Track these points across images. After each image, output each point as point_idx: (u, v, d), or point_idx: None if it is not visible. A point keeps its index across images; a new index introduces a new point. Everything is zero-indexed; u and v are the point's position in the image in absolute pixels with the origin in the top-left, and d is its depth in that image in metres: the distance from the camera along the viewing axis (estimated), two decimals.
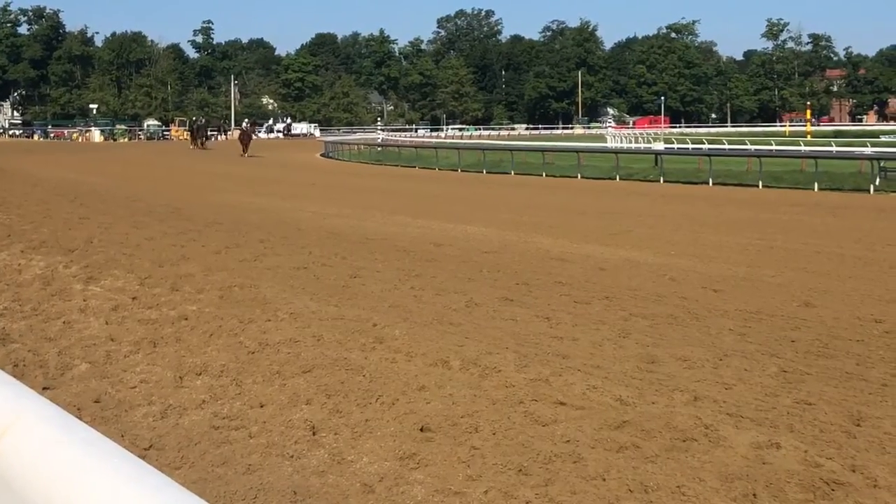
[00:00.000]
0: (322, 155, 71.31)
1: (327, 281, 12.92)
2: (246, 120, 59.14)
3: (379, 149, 69.59)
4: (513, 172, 45.45)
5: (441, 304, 11.34)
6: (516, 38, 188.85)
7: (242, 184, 36.40)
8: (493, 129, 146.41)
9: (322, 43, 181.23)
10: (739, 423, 6.68)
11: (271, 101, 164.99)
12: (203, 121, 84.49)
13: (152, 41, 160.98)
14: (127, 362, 8.56)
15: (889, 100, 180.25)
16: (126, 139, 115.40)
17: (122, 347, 9.07)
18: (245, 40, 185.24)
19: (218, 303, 11.15)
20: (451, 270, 14.08)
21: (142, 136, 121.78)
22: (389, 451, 6.18)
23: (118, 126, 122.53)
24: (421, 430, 6.57)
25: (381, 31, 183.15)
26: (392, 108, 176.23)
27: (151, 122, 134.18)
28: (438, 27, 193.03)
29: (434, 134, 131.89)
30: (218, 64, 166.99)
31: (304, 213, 23.45)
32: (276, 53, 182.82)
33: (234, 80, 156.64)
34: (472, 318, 10.54)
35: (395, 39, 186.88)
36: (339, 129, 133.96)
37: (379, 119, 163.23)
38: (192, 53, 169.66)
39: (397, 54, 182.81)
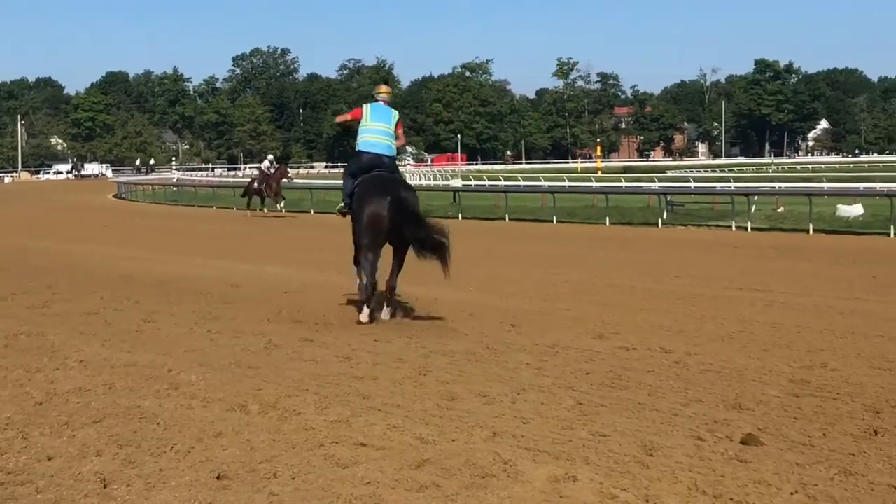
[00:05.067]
0: (115, 196, 69.52)
1: (119, 326, 12.53)
2: (270, 156, 49.58)
3: (175, 189, 68.33)
4: (312, 211, 45.30)
5: (239, 346, 11.14)
6: (313, 77, 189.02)
7: (30, 226, 35.12)
8: (293, 167, 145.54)
9: (113, 81, 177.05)
10: (537, 458, 6.76)
11: (60, 141, 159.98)
12: None
13: None
14: None
15: (674, 136, 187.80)
16: None
17: None
18: (32, 79, 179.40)
19: (3, 352, 10.66)
20: (249, 312, 13.86)
21: None
22: (184, 502, 6.00)
23: None
24: (217, 478, 6.40)
25: (175, 70, 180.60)
26: (187, 146, 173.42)
27: None
28: (234, 65, 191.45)
29: (232, 173, 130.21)
30: (3, 104, 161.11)
31: (96, 257, 22.77)
32: (66, 92, 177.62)
33: (21, 120, 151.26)
34: (272, 360, 10.39)
35: (190, 77, 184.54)
36: (135, 169, 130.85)
37: (174, 158, 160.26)
38: None
39: (192, 92, 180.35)
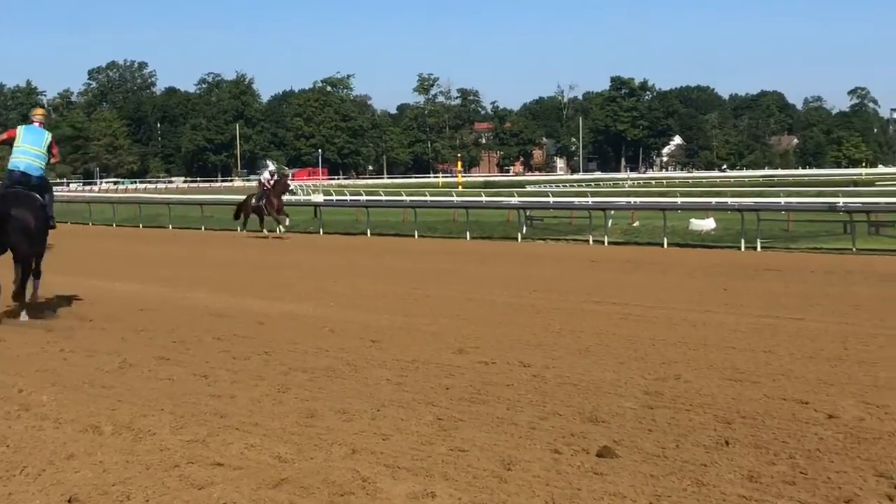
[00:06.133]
0: None
1: None
2: (271, 166, 44.40)
3: None
4: (171, 226, 44.59)
5: (93, 365, 10.87)
6: (171, 91, 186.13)
7: None
8: (149, 182, 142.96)
9: None
10: (396, 474, 6.74)
11: None
12: None
13: None
14: None
15: (533, 151, 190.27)
16: None
17: None
18: None
19: None
20: (103, 330, 13.56)
21: None
22: None
23: None
24: (69, 501, 6.23)
25: (28, 83, 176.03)
26: None
27: None
28: (90, 79, 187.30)
29: (87, 188, 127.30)
30: None
31: None
32: None
33: None
34: (126, 379, 10.16)
35: (44, 91, 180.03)
36: None
37: None
38: None
39: (46, 106, 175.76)
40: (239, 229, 38.26)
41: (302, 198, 64.10)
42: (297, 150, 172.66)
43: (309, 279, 20.74)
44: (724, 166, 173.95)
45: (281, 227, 37.31)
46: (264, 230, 36.89)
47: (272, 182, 37.74)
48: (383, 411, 8.60)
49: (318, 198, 61.03)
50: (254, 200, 37.75)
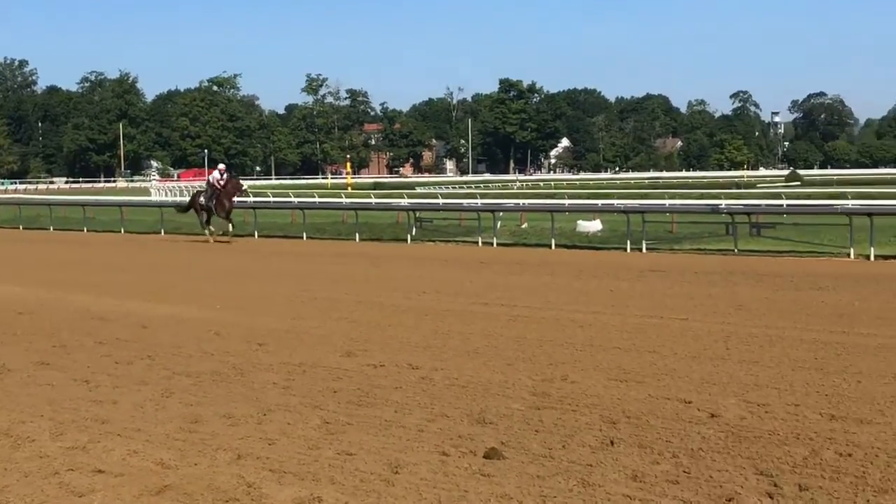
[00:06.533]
0: None
1: None
2: (221, 165, 38.21)
3: None
4: (52, 228, 43.65)
5: None
6: (53, 89, 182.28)
7: None
8: (30, 182, 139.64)
9: None
10: (282, 479, 6.68)
11: None
12: None
13: None
14: None
15: (423, 153, 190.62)
16: None
17: None
18: None
19: None
20: None
21: None
22: None
23: None
24: None
25: None
26: None
27: None
28: None
29: None
30: None
31: None
32: None
33: None
34: (4, 385, 9.93)
35: None
36: None
37: None
38: None
39: None
40: (205, 231, 34.64)
41: (188, 199, 63.25)
42: (182, 151, 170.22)
43: (194, 281, 20.49)
44: (618, 168, 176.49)
45: (230, 228, 34.01)
46: (206, 232, 34.36)
47: (223, 182, 34.60)
48: (269, 415, 8.53)
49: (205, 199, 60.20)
50: (203, 199, 34.86)
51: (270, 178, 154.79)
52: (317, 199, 55.33)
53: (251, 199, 46.39)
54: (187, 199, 41.56)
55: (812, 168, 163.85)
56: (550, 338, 12.66)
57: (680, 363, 10.79)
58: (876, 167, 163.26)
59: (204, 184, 39.90)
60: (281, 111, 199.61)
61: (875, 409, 8.44)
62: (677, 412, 8.51)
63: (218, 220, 34.39)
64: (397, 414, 8.59)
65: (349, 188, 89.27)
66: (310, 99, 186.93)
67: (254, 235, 36.45)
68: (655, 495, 6.30)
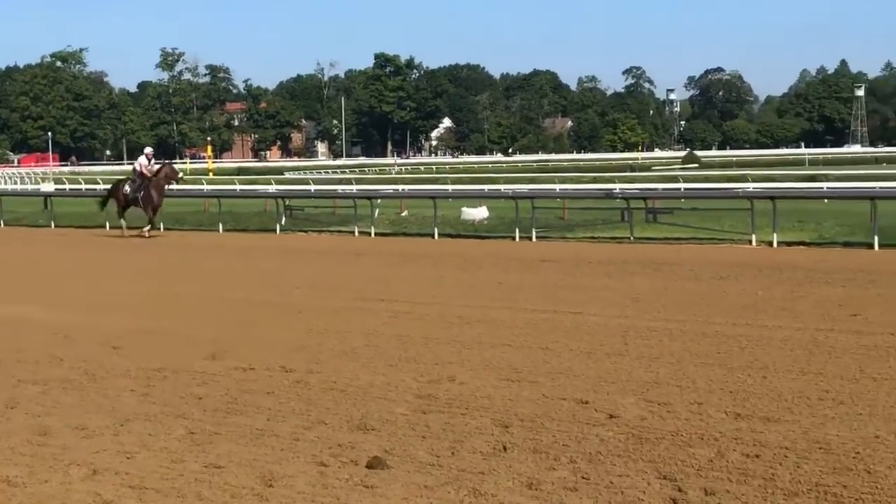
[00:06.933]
0: None
1: None
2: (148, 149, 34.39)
3: None
4: None
5: None
6: None
7: None
8: None
9: None
10: (143, 496, 6.61)
11: None
12: None
13: None
14: None
15: (292, 134, 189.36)
16: None
17: None
18: None
19: None
20: None
21: None
22: None
23: None
24: None
25: None
26: None
27: None
28: None
29: None
30: None
31: None
32: None
33: None
34: None
35: None
36: None
37: None
38: None
39: None
40: (120, 223, 32.29)
41: (30, 187, 62.05)
42: (23, 134, 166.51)
43: (40, 278, 20.09)
44: (512, 151, 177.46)
45: (150, 225, 31.41)
46: (121, 224, 32.01)
47: (154, 169, 32.08)
48: (127, 426, 8.42)
49: (49, 187, 59.22)
50: (128, 189, 31.85)
51: (122, 164, 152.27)
52: (175, 186, 54.71)
53: (101, 186, 45.61)
54: (23, 186, 40.36)
55: (710, 149, 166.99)
56: (436, 335, 12.70)
57: (575, 360, 10.91)
58: (777, 147, 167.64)
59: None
60: (133, 89, 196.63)
61: (783, 407, 8.65)
62: (574, 413, 8.60)
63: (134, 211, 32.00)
64: (270, 422, 8.53)
65: (210, 174, 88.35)
66: (165, 76, 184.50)
67: (104, 227, 35.81)
68: None
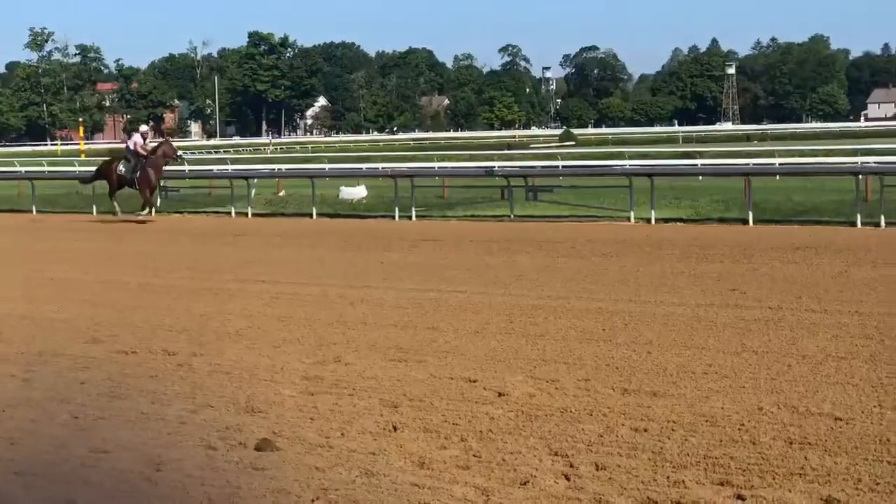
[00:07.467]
0: None
1: None
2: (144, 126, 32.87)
3: None
4: None
5: None
6: None
7: None
8: None
9: None
10: (29, 482, 6.50)
11: None
12: None
13: None
14: None
15: (165, 114, 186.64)
16: None
17: None
18: None
19: None
20: None
21: None
22: None
23: None
24: None
25: None
26: None
27: None
28: None
29: None
30: None
31: None
32: None
33: None
34: None
35: None
36: None
37: None
38: None
39: None
40: (117, 212, 29.31)
41: None
42: None
43: None
44: (394, 129, 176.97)
45: (147, 208, 29.10)
46: (115, 204, 29.31)
47: (152, 147, 29.80)
48: (9, 412, 8.30)
49: None
50: (122, 168, 29.25)
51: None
52: (46, 168, 53.65)
53: None
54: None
55: (586, 126, 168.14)
56: (319, 316, 12.67)
57: (461, 339, 10.97)
58: (651, 125, 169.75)
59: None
60: (1, 70, 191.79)
61: (668, 381, 8.80)
62: (462, 392, 8.65)
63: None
64: (155, 405, 8.45)
65: (83, 155, 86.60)
66: (34, 56, 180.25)
67: None
68: (445, 482, 6.39)
